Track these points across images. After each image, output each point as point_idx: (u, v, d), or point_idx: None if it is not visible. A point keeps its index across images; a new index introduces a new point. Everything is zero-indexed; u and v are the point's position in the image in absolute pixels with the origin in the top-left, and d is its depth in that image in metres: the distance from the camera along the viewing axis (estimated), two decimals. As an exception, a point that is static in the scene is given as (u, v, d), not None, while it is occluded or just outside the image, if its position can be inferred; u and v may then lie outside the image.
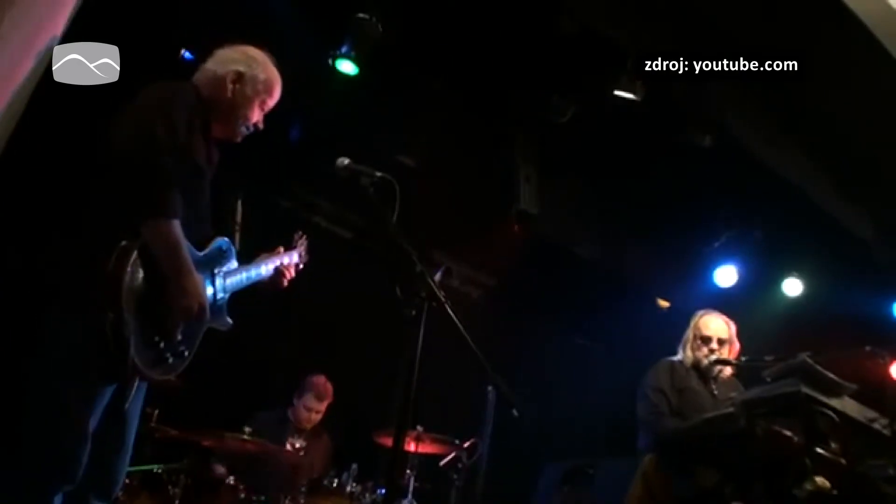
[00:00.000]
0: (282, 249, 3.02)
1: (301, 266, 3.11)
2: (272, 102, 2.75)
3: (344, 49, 4.92)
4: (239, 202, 2.94)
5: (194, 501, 3.94)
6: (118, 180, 2.30)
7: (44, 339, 2.30)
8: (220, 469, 4.29)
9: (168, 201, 2.26)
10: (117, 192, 2.31)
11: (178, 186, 2.31)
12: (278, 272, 2.94)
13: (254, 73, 2.67)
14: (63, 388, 2.24)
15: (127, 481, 3.65)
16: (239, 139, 2.73)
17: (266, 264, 2.91)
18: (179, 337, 2.40)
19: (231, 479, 4.11)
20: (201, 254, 2.52)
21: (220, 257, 2.64)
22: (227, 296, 2.68)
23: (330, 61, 4.96)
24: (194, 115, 2.48)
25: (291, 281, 3.03)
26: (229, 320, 2.69)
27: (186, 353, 2.46)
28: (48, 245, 2.70)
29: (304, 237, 3.19)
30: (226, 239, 2.68)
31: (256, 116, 2.71)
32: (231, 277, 2.69)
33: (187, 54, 4.78)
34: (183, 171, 2.38)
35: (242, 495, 4.09)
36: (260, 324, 3.20)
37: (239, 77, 2.65)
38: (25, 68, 2.41)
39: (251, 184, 3.33)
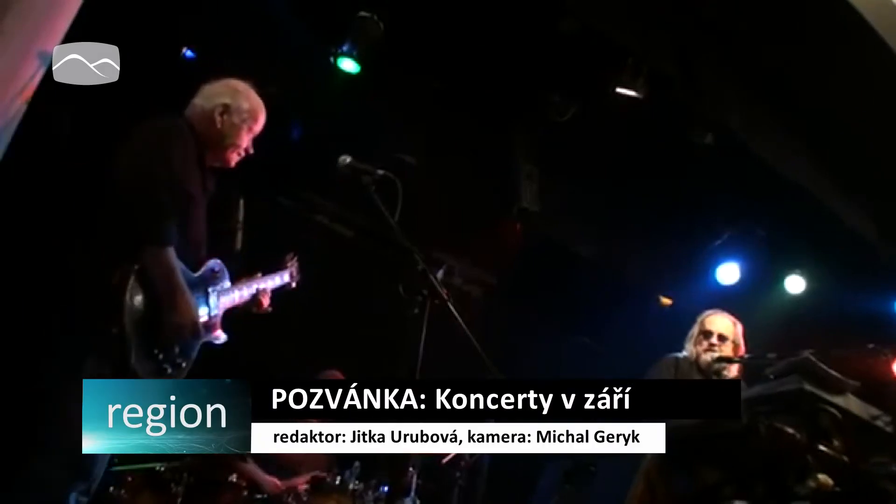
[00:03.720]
0: (260, 274, 3.16)
1: (293, 286, 3.31)
2: (258, 128, 2.97)
3: (345, 47, 4.91)
4: (241, 202, 3.10)
5: (196, 500, 3.94)
6: (121, 211, 2.55)
7: (58, 345, 2.51)
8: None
9: (164, 231, 2.54)
10: (121, 220, 2.55)
11: (174, 217, 2.57)
12: (254, 297, 3.09)
13: (238, 103, 2.90)
14: (76, 391, 2.28)
15: (129, 479, 3.69)
16: (233, 164, 2.96)
17: (248, 286, 3.06)
18: (177, 350, 2.61)
19: (233, 478, 4.12)
20: (196, 275, 2.75)
21: (213, 277, 2.86)
22: (221, 312, 2.89)
23: (331, 60, 4.96)
24: (187, 149, 2.73)
25: (299, 283, 3.26)
26: (223, 335, 2.89)
27: (184, 365, 2.67)
28: (63, 260, 2.84)
29: (295, 258, 3.37)
30: (218, 261, 2.90)
31: (246, 142, 2.94)
32: (224, 296, 2.91)
33: (189, 53, 4.79)
34: (177, 201, 2.62)
35: (244, 494, 4.10)
36: (260, 323, 3.23)
37: (226, 109, 2.88)
38: (26, 69, 2.41)
39: (253, 183, 3.35)
